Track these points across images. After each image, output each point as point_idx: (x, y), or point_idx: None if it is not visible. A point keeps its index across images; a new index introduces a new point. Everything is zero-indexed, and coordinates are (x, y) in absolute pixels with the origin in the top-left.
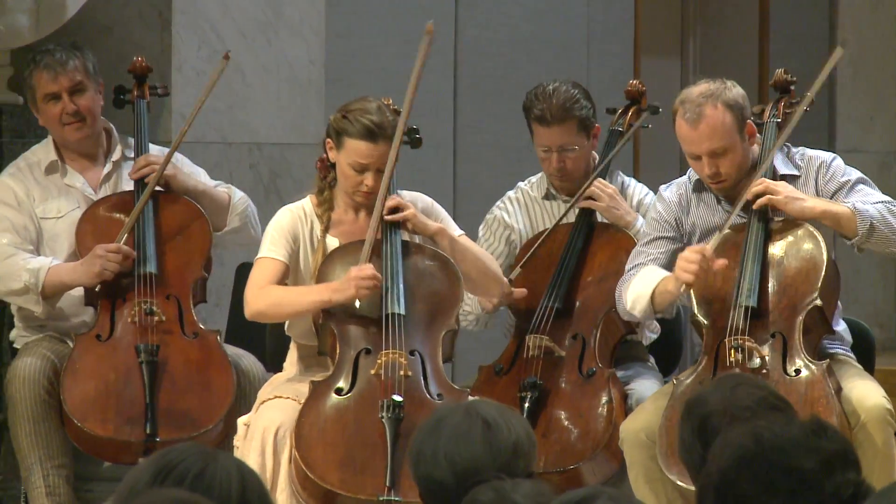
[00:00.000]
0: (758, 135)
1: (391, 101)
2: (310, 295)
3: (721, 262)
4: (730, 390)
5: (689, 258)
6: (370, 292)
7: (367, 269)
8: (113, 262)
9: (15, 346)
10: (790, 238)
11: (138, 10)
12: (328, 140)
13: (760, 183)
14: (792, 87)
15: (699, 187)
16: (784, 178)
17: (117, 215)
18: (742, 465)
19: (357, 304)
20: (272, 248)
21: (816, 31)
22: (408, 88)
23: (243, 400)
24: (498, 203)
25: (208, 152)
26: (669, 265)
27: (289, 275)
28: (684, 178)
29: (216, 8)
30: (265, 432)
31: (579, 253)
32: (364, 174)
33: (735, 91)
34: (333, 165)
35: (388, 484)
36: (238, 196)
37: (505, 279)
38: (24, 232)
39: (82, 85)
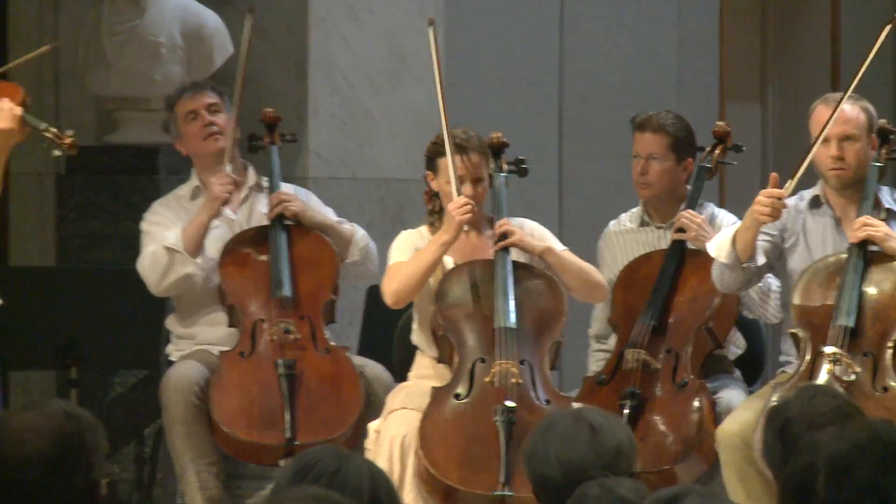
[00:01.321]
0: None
1: (501, 135)
2: (427, 252)
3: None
4: (808, 399)
5: (764, 200)
6: (471, 216)
7: (460, 199)
8: (226, 186)
9: (171, 359)
10: (887, 269)
11: (278, 61)
12: (428, 173)
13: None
14: (891, 137)
15: (815, 204)
16: (889, 211)
17: (253, 247)
18: (859, 453)
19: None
20: (398, 255)
21: (885, 78)
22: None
23: (370, 404)
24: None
25: (341, 187)
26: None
27: None
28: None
29: (347, 59)
30: (393, 440)
31: (672, 276)
32: (463, 186)
33: (870, 107)
34: (436, 194)
35: (502, 480)
36: (360, 233)
37: (607, 286)
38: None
39: (218, 107)
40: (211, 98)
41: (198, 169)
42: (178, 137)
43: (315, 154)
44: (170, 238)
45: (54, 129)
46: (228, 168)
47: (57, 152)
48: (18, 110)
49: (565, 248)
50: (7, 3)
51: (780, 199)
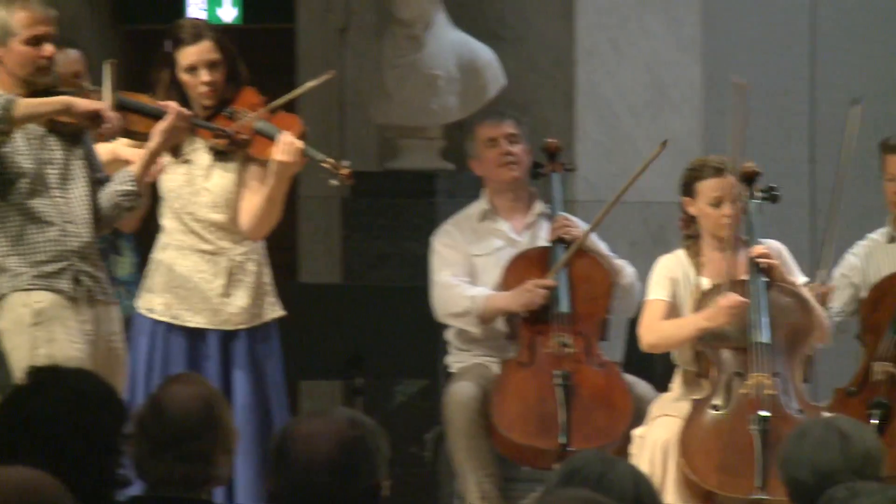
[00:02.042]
0: None
1: (753, 164)
2: (688, 325)
3: None
4: None
5: None
6: (736, 318)
7: (733, 297)
8: (538, 295)
9: (450, 370)
10: None
11: (548, 92)
12: (685, 199)
13: None
14: None
15: None
16: None
17: (535, 265)
18: None
19: (727, 329)
20: (657, 290)
21: None
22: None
23: (638, 418)
24: (851, 249)
25: None
26: None
27: (671, 311)
28: None
29: (611, 89)
30: (655, 445)
31: None
32: (722, 207)
33: None
34: (693, 219)
35: (758, 485)
36: (629, 271)
37: (831, 332)
38: (461, 266)
39: (517, 137)
40: (511, 128)
41: (489, 192)
42: (474, 158)
43: (582, 178)
44: (471, 292)
45: (331, 161)
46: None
47: (334, 182)
48: (299, 143)
49: (806, 279)
50: (295, 40)
51: None
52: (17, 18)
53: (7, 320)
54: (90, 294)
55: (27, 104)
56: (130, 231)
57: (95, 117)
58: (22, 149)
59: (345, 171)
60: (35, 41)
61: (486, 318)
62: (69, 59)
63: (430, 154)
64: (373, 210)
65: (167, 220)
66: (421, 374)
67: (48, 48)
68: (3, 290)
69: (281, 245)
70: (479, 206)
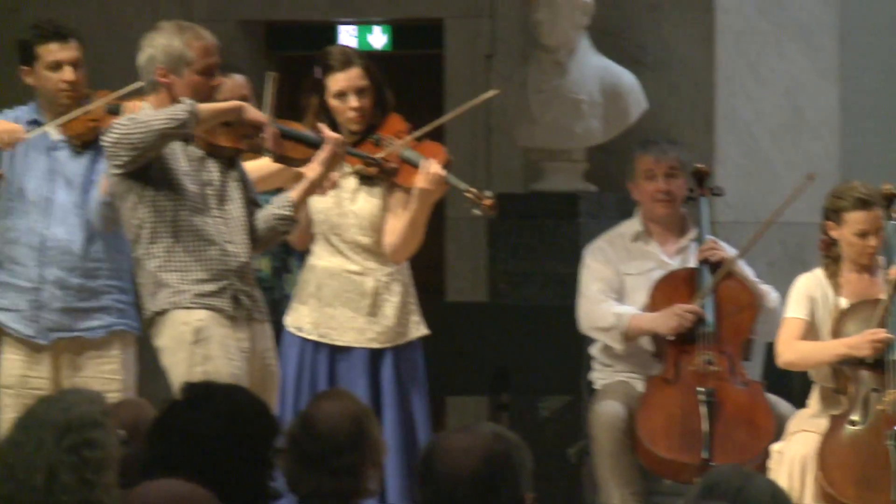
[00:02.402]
0: None
1: (892, 186)
2: (829, 349)
3: None
4: None
5: None
6: (880, 351)
7: (881, 333)
8: (687, 320)
9: (594, 386)
10: None
11: (688, 116)
12: (828, 223)
13: None
14: None
15: None
16: None
17: (682, 286)
18: None
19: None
20: (796, 308)
21: None
22: None
23: (777, 434)
24: None
25: (745, 230)
26: None
27: (809, 330)
28: None
29: (750, 113)
30: (793, 460)
31: None
32: (867, 238)
33: None
34: (835, 242)
35: (893, 499)
36: (773, 296)
37: None
38: (611, 282)
39: (676, 172)
40: (672, 162)
41: (643, 214)
42: (632, 183)
43: (722, 200)
44: (618, 309)
45: (474, 190)
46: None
47: (476, 212)
48: (443, 172)
49: None
50: (443, 66)
51: None
52: (194, 48)
53: (167, 337)
54: (248, 313)
55: (207, 108)
56: (301, 249)
57: (258, 127)
58: (185, 168)
59: (487, 202)
60: (207, 71)
61: (629, 336)
62: (235, 83)
63: (573, 176)
64: (518, 231)
65: (315, 242)
66: (565, 390)
67: (218, 79)
68: (163, 305)
69: (428, 264)
70: (633, 226)
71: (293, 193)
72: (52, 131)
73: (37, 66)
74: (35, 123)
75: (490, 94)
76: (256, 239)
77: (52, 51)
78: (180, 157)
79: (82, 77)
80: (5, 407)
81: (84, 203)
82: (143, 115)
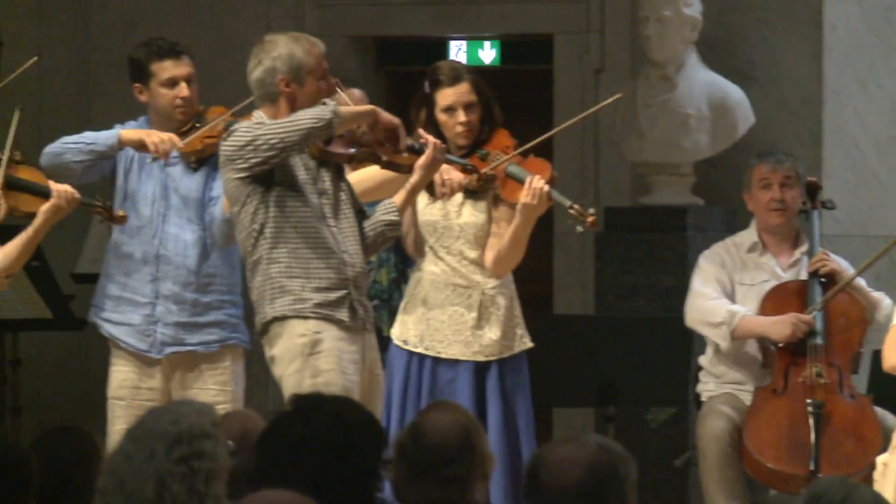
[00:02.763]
0: None
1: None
2: None
3: None
4: None
5: None
6: None
7: None
8: (801, 330)
9: (701, 398)
10: None
11: (795, 129)
12: None
13: None
14: None
15: None
16: None
17: (793, 297)
18: None
19: None
20: None
21: None
22: None
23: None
24: None
25: (852, 243)
26: None
27: None
28: None
29: (858, 127)
30: None
31: None
32: None
33: None
34: None
35: None
36: (886, 302)
37: None
38: (723, 286)
39: (793, 182)
40: (789, 172)
41: (757, 225)
42: (747, 193)
43: (829, 213)
44: (731, 307)
45: (578, 207)
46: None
47: (580, 228)
48: (547, 188)
49: None
50: (552, 80)
51: None
52: (313, 55)
53: (282, 348)
54: (363, 323)
55: (346, 110)
56: (418, 256)
57: (394, 132)
58: (304, 177)
59: (591, 219)
60: (324, 76)
61: (737, 335)
62: (353, 97)
63: (681, 190)
64: (626, 244)
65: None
66: (671, 402)
67: (332, 80)
68: (283, 311)
69: (536, 277)
70: (749, 237)
71: (397, 198)
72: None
73: (151, 83)
74: None
75: (618, 95)
76: (365, 246)
77: (167, 68)
78: (299, 165)
79: (195, 93)
80: (116, 418)
81: (199, 219)
82: (291, 118)
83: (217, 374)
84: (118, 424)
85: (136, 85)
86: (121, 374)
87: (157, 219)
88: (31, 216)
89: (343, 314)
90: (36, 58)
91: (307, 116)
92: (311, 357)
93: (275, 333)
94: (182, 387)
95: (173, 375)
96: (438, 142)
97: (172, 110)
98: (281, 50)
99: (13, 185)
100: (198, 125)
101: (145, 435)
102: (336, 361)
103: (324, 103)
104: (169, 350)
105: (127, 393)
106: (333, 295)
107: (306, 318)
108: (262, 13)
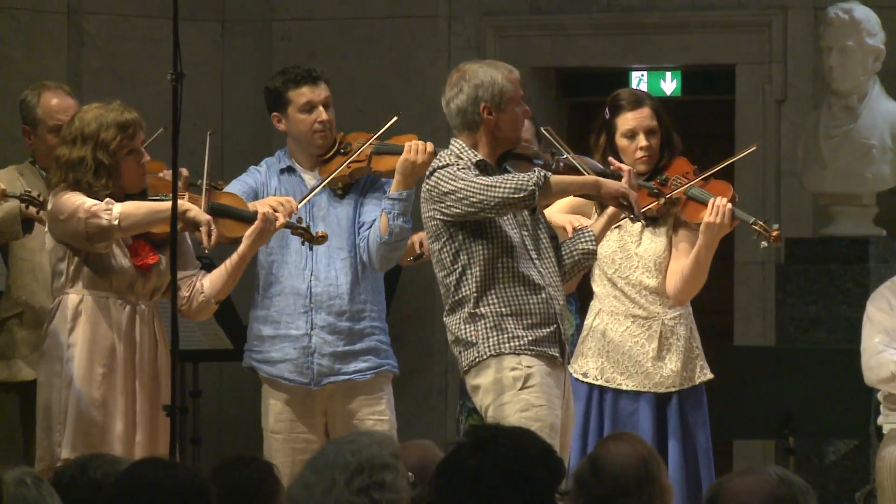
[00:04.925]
0: None
1: None
2: None
3: None
4: None
5: None
6: None
7: None
8: None
9: (882, 431)
10: None
11: None
12: None
13: None
14: None
15: None
16: None
17: None
18: None
19: None
20: None
21: None
22: None
23: None
24: None
25: None
26: None
27: None
28: None
29: None
30: None
31: None
32: None
33: None
34: None
35: None
36: None
37: None
38: (891, 331)
39: None
40: None
41: None
42: None
43: None
44: None
45: (762, 223)
46: None
47: (764, 244)
48: (730, 206)
49: None
50: (734, 111)
51: None
52: (512, 82)
53: (491, 378)
54: (568, 358)
55: (558, 182)
56: (569, 292)
57: (623, 198)
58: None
59: (774, 234)
60: (520, 103)
61: None
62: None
63: (863, 221)
64: (807, 275)
65: (599, 286)
66: (852, 434)
67: (526, 108)
68: (498, 349)
69: (717, 308)
70: None
71: (595, 227)
72: (309, 177)
73: (288, 110)
74: (288, 171)
75: (752, 148)
76: (562, 274)
77: (304, 93)
78: None
79: (333, 119)
80: (274, 451)
81: (349, 246)
82: (486, 180)
83: (375, 401)
84: (276, 458)
85: (274, 114)
86: (276, 407)
87: (305, 250)
88: (236, 241)
89: (554, 350)
90: (212, 132)
91: (509, 186)
92: (523, 391)
93: (484, 365)
94: (342, 418)
95: (330, 406)
96: (629, 168)
97: (312, 135)
98: (482, 77)
99: (217, 212)
100: (342, 151)
101: (326, 465)
102: (546, 398)
103: (535, 168)
104: (326, 381)
105: (284, 426)
106: (545, 330)
107: (519, 354)
108: (442, 45)
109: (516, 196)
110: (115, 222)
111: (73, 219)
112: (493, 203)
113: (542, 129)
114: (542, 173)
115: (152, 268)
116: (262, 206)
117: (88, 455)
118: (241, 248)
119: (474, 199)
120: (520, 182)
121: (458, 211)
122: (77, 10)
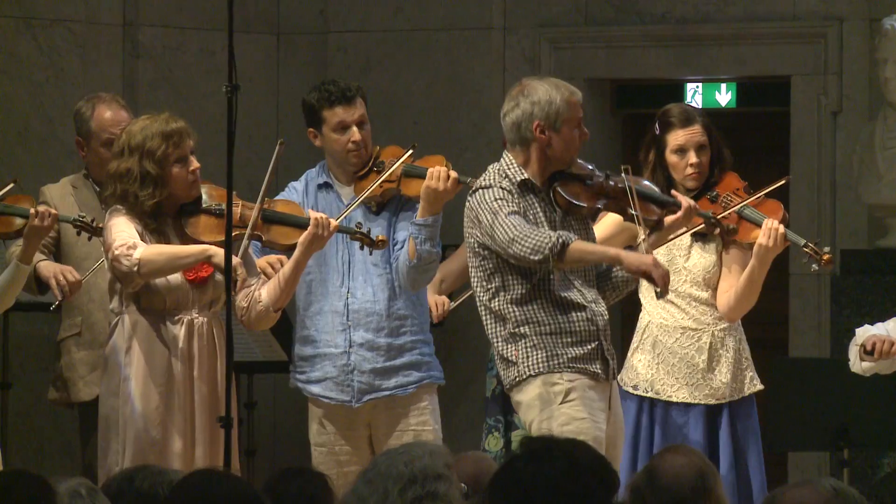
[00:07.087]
0: None
1: None
2: None
3: None
4: None
5: None
6: None
7: None
8: None
9: None
10: None
11: None
12: None
13: None
14: None
15: None
16: None
17: None
18: None
19: None
20: None
21: None
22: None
23: None
24: None
25: None
26: None
27: None
28: None
29: None
30: None
31: None
32: None
33: None
34: None
35: None
36: None
37: None
38: None
39: None
40: None
41: None
42: None
43: None
44: None
45: (812, 246)
46: None
47: (815, 266)
48: (783, 230)
49: None
50: (789, 122)
51: None
52: (571, 104)
53: (533, 394)
54: (613, 373)
55: (578, 250)
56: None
57: (646, 275)
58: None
59: (825, 256)
60: (579, 125)
61: None
62: None
63: None
64: (862, 287)
65: (648, 298)
66: None
67: (585, 130)
68: (539, 369)
69: (772, 320)
70: None
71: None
72: (346, 192)
73: (323, 128)
74: (326, 186)
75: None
76: (606, 293)
77: (338, 113)
78: (541, 217)
79: (368, 135)
80: (319, 464)
81: (384, 262)
82: (514, 227)
83: (418, 413)
84: (322, 470)
85: (310, 130)
86: (319, 422)
87: (342, 267)
88: (291, 249)
89: (596, 366)
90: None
91: (527, 245)
92: (564, 405)
93: (525, 383)
94: (384, 431)
95: (374, 419)
96: (692, 204)
97: (346, 155)
98: (540, 95)
99: (270, 219)
100: (375, 169)
101: (379, 476)
102: (588, 411)
103: (560, 235)
104: (367, 398)
105: (327, 439)
106: (586, 348)
107: (560, 371)
108: (497, 56)
109: (532, 258)
110: (135, 269)
111: (107, 255)
112: (510, 254)
113: (622, 167)
114: (562, 240)
115: (207, 280)
116: (313, 214)
117: (134, 467)
118: (296, 254)
119: (497, 241)
120: (538, 244)
121: (487, 242)
122: (132, 22)
